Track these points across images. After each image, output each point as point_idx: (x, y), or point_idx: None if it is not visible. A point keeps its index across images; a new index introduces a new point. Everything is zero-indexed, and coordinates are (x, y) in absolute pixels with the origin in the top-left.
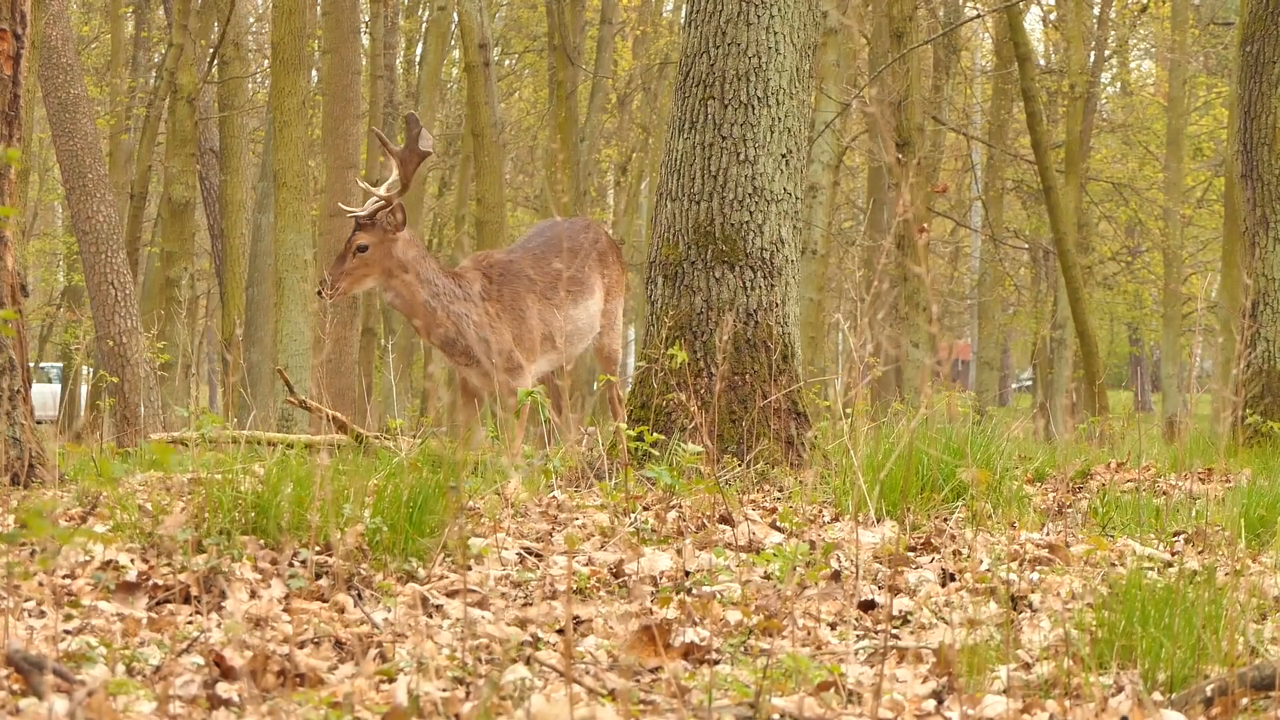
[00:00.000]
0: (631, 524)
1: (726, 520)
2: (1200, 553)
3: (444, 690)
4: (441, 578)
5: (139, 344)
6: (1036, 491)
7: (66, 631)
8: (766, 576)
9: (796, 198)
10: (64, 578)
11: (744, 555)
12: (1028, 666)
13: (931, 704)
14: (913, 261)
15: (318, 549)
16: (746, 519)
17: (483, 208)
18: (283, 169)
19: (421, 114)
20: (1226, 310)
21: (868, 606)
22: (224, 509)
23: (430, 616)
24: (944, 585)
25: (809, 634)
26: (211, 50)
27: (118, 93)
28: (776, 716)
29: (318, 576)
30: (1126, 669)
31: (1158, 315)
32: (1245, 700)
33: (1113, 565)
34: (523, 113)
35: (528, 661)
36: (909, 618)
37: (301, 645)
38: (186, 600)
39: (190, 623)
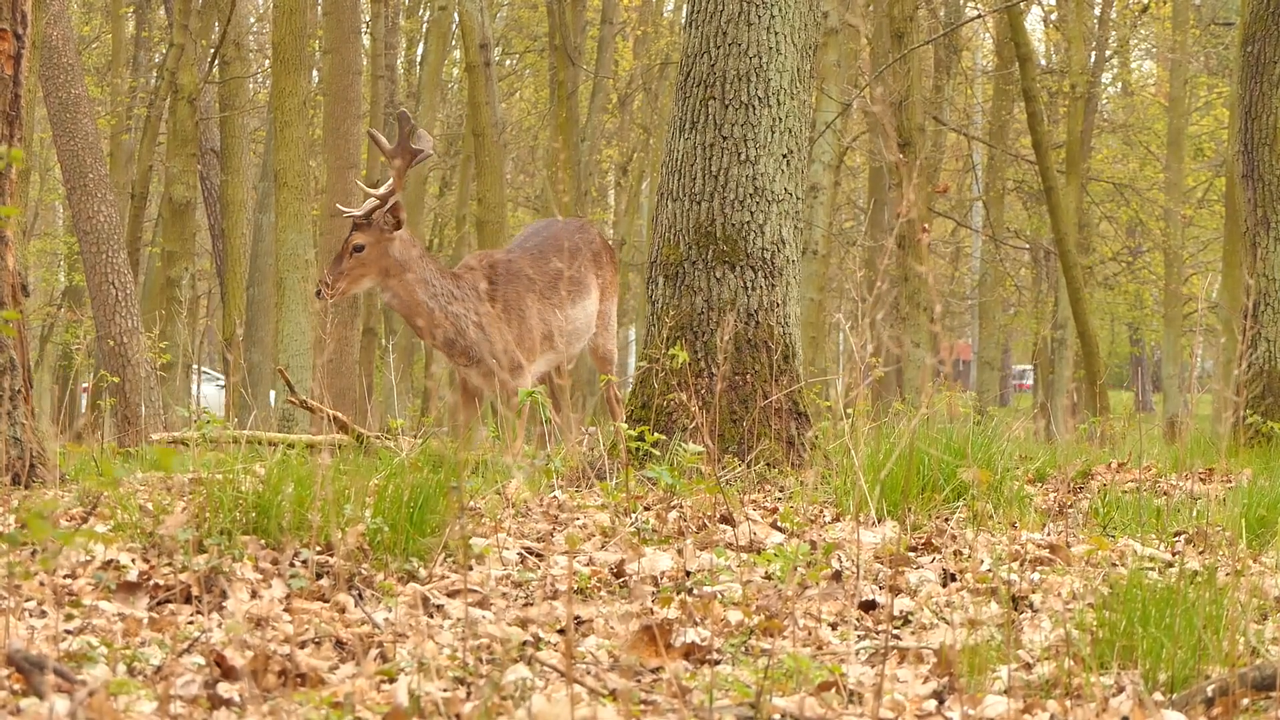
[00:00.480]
0: (632, 524)
1: (727, 520)
2: (1201, 553)
3: (445, 690)
4: (442, 578)
5: (140, 344)
6: (1037, 492)
7: (67, 631)
8: (767, 576)
9: (797, 198)
10: (65, 578)
11: (745, 555)
12: (1029, 667)
13: (932, 704)
14: (915, 261)
15: (319, 549)
16: (747, 519)
17: (483, 208)
18: (284, 169)
19: (422, 114)
20: (1227, 310)
21: (869, 607)
22: (225, 509)
23: (431, 616)
24: (945, 585)
25: (810, 634)
26: (212, 50)
27: (118, 93)
28: (777, 716)
29: (319, 576)
30: (1127, 669)
31: (1158, 315)
32: (1246, 700)
33: (1113, 565)
34: (524, 113)
35: (529, 661)
36: (910, 618)
37: (302, 645)
38: (187, 600)
39: (191, 623)
